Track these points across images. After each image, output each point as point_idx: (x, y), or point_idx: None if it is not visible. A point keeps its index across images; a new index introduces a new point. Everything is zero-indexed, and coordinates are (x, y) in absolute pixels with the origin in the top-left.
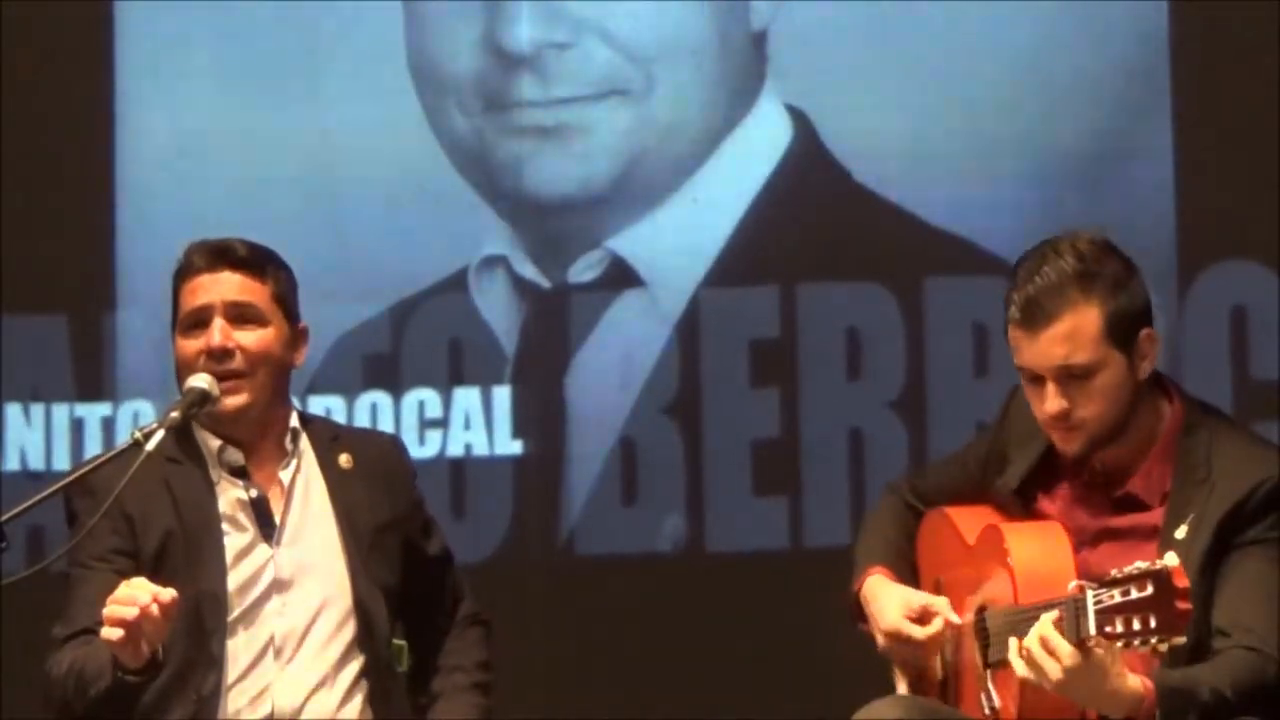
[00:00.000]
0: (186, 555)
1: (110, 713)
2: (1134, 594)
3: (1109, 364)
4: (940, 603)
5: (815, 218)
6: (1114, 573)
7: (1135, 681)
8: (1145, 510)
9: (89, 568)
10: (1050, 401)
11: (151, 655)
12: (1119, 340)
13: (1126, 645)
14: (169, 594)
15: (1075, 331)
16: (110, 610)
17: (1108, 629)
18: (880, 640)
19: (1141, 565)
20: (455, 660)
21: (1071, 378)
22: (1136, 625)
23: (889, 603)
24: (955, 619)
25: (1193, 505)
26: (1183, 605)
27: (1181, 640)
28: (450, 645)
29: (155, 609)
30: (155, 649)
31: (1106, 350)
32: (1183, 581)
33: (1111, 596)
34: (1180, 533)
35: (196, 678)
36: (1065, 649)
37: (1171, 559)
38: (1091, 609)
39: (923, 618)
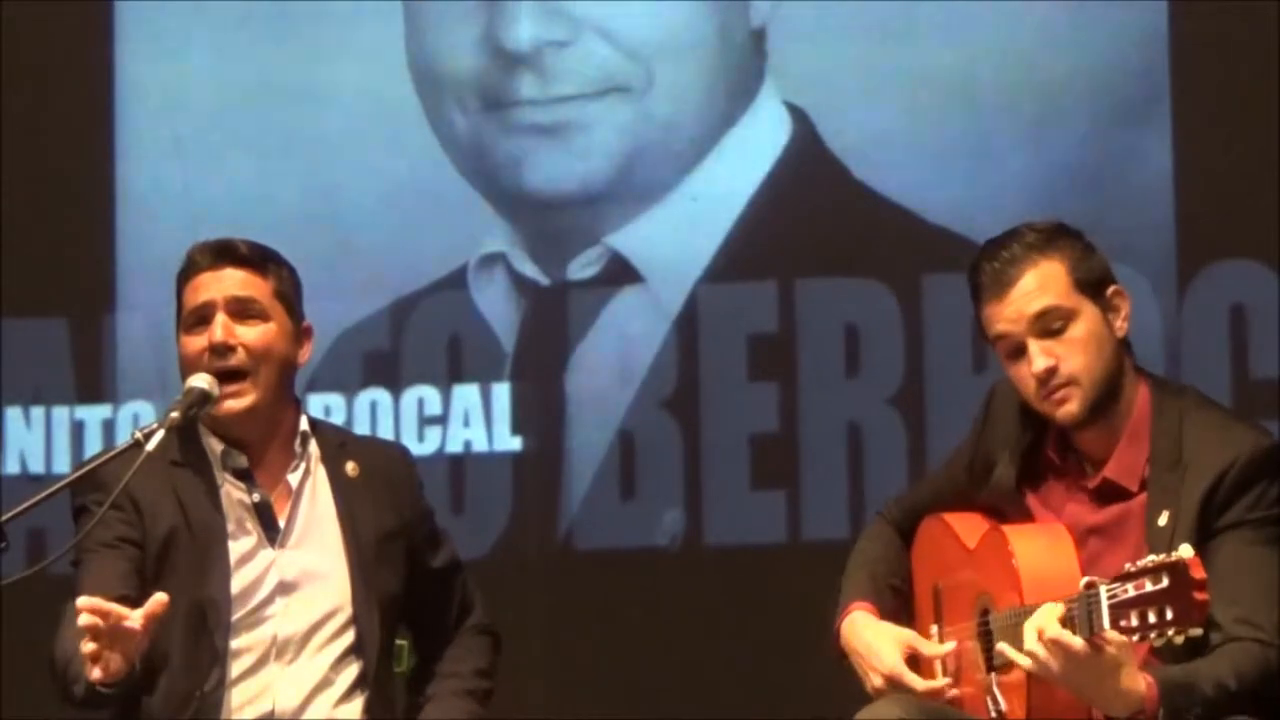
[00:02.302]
0: (191, 556)
1: (94, 711)
2: (1149, 587)
3: (1083, 312)
4: (931, 649)
5: (814, 215)
6: (1128, 566)
7: (1140, 681)
8: (1126, 499)
9: (97, 552)
10: (1036, 360)
11: (129, 668)
12: (1088, 291)
13: (1143, 638)
14: (152, 604)
15: (1045, 281)
16: (84, 620)
17: (1123, 623)
18: (873, 680)
19: (1156, 558)
20: (452, 666)
21: (1050, 332)
22: (1152, 618)
23: (883, 644)
24: (939, 650)
25: (1170, 491)
26: (1200, 596)
27: (1198, 632)
28: (450, 652)
29: (132, 622)
30: (133, 662)
31: (1078, 298)
32: (1199, 572)
33: (1125, 590)
34: (1163, 520)
35: (199, 676)
36: (1075, 642)
37: (1186, 550)
38: (1105, 604)
39: (914, 662)
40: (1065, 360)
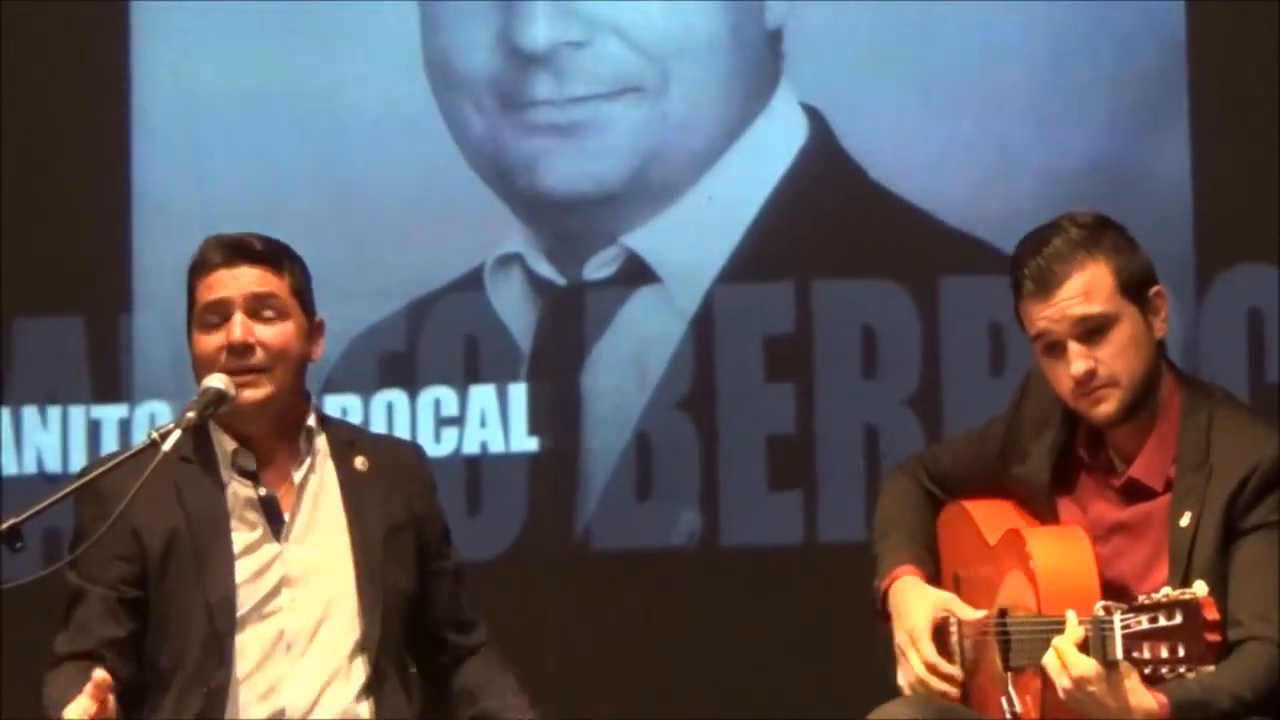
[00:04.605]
0: (194, 555)
1: None
2: (1162, 621)
3: (1125, 316)
4: (966, 612)
5: (831, 216)
6: (1141, 598)
7: (1149, 699)
8: (1151, 498)
9: (93, 587)
10: (1075, 362)
11: None
12: (1131, 294)
13: (1154, 672)
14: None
15: (1090, 285)
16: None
17: (1135, 654)
18: (899, 637)
19: (1170, 592)
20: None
21: (1091, 333)
22: (1165, 653)
23: (917, 606)
24: (974, 614)
25: (1194, 492)
26: (1212, 637)
27: (1211, 669)
28: (489, 673)
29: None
30: None
31: (1121, 303)
32: (1212, 614)
33: (1139, 622)
34: (1185, 520)
35: (206, 673)
36: (1087, 665)
37: (1201, 588)
38: (1119, 633)
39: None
40: (1105, 363)
